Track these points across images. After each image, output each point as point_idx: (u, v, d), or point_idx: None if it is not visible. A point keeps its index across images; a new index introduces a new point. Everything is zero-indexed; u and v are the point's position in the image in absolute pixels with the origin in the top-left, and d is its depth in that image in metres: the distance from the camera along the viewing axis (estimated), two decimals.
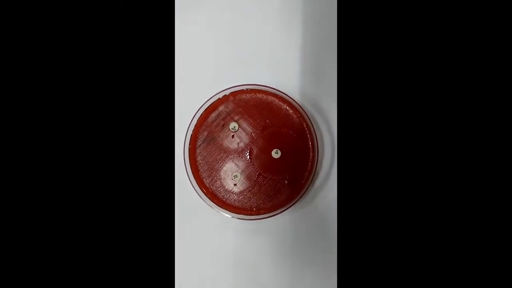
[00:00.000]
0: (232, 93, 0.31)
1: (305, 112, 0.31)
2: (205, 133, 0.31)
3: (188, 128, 0.31)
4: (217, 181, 0.31)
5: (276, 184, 0.31)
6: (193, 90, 0.32)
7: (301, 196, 0.30)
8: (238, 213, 0.31)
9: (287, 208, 0.30)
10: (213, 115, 0.31)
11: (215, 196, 0.31)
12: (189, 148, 0.31)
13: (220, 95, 0.31)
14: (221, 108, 0.31)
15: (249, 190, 0.31)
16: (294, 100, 0.31)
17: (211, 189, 0.31)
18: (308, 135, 0.31)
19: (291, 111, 0.31)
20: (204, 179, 0.31)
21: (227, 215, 0.30)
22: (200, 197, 0.31)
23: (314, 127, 0.31)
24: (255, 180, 0.31)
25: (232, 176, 0.31)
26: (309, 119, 0.31)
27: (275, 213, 0.30)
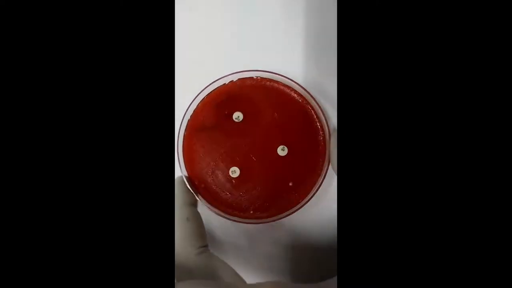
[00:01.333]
0: (240, 80, 0.28)
1: (321, 109, 0.27)
2: (206, 121, 0.27)
3: (186, 112, 0.27)
4: (212, 175, 0.27)
5: (280, 185, 0.27)
6: (195, 73, 0.29)
7: (307, 202, 0.26)
8: (233, 215, 0.26)
9: (289, 214, 0.26)
10: (216, 101, 0.28)
11: (208, 192, 0.27)
12: (184, 135, 0.27)
13: (226, 80, 0.28)
14: (225, 94, 0.28)
15: (248, 190, 0.27)
16: (310, 94, 0.28)
17: (204, 184, 0.27)
18: (321, 134, 0.27)
19: (307, 106, 0.28)
20: (199, 171, 0.27)
21: (221, 215, 0.26)
22: (192, 191, 0.26)
23: (330, 128, 0.27)
24: (256, 179, 0.27)
25: (231, 171, 0.27)
26: (325, 118, 0.27)
27: (275, 218, 0.26)
